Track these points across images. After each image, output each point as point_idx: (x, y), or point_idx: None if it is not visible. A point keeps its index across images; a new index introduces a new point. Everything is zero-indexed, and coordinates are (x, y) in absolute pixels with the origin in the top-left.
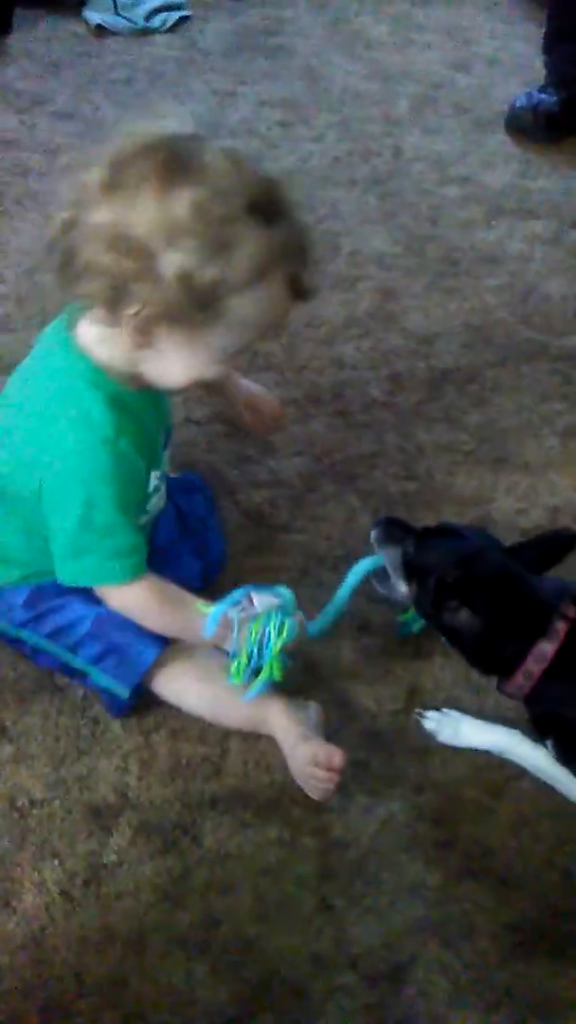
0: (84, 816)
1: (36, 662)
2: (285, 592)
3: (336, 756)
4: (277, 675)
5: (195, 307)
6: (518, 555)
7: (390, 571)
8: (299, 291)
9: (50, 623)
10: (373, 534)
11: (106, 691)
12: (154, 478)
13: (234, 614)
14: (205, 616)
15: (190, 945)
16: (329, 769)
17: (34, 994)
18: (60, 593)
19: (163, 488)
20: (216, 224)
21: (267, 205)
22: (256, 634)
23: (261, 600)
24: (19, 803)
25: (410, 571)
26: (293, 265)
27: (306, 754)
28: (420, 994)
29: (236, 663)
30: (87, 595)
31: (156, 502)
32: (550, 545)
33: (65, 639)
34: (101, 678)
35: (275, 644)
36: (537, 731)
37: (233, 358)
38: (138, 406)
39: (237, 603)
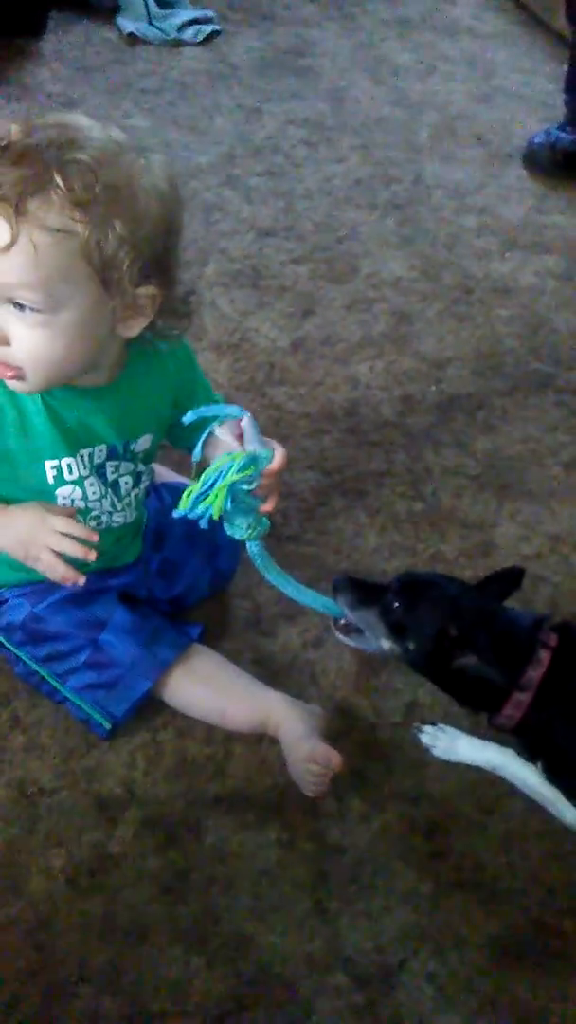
0: (91, 807)
1: (27, 681)
2: (266, 453)
3: (334, 757)
4: (215, 511)
5: None
6: (483, 592)
7: (367, 631)
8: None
9: (47, 647)
10: (341, 599)
11: (88, 720)
12: (50, 468)
13: (224, 434)
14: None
15: (189, 938)
16: (326, 767)
17: (37, 977)
18: (58, 622)
19: (94, 489)
20: None
21: None
22: (219, 466)
23: (249, 435)
24: (29, 791)
25: (397, 629)
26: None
27: (304, 751)
28: (407, 998)
29: (191, 488)
30: (87, 625)
31: (72, 497)
32: (504, 581)
33: (57, 666)
34: (85, 707)
35: (229, 477)
36: (528, 752)
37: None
38: (66, 397)
39: (224, 419)
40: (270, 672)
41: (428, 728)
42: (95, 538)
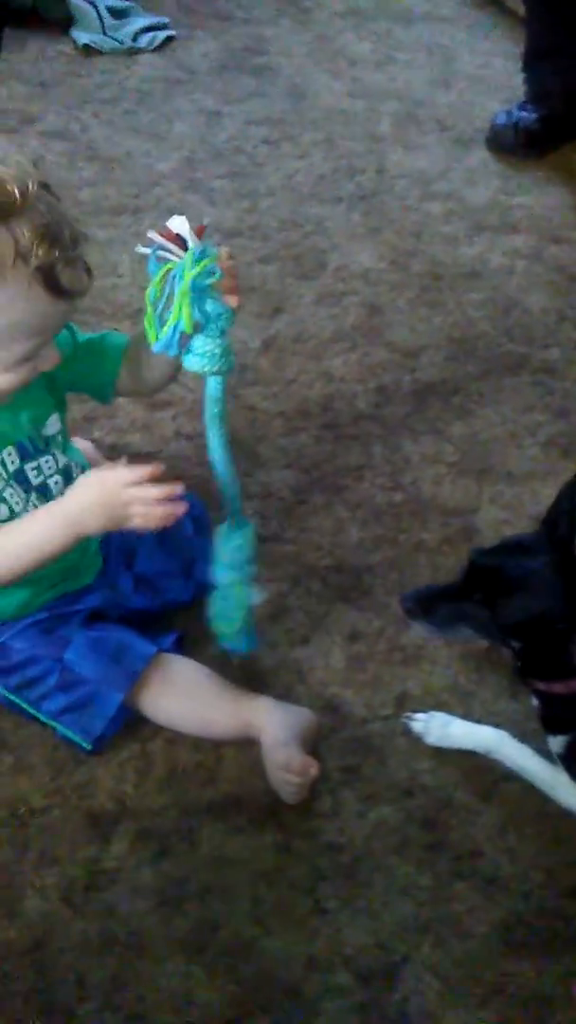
0: (83, 824)
1: (9, 708)
2: (212, 249)
3: (311, 766)
4: (186, 322)
5: None
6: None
7: (478, 633)
8: (55, 285)
9: (17, 676)
10: (418, 627)
11: (70, 741)
12: None
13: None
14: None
15: (188, 948)
16: (301, 775)
17: (36, 998)
18: (23, 649)
19: (16, 499)
20: None
21: None
22: (170, 270)
23: (186, 234)
24: (20, 811)
25: (513, 631)
26: (39, 260)
27: (281, 758)
28: (412, 993)
29: (146, 316)
30: (52, 646)
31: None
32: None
33: (30, 692)
34: (60, 730)
35: (187, 274)
36: (556, 726)
37: (12, 366)
38: None
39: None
40: (257, 674)
41: (419, 716)
42: (161, 468)
